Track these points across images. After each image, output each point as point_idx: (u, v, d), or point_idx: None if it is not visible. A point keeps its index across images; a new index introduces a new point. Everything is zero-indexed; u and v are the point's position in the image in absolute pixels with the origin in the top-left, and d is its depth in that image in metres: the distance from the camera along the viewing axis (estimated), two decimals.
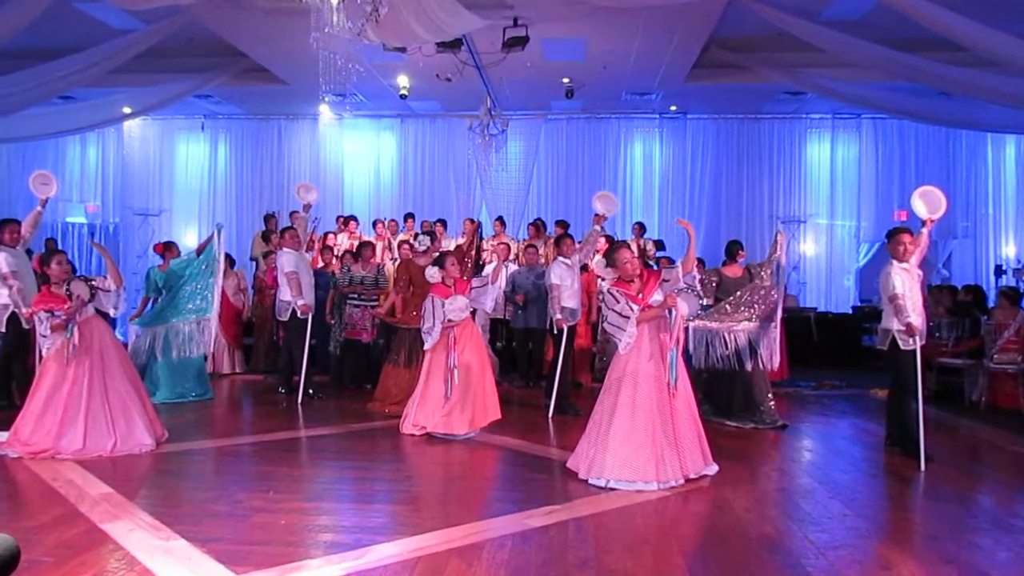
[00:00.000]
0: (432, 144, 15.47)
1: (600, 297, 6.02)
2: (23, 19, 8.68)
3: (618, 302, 5.53)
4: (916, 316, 6.22)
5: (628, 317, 5.46)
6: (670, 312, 5.49)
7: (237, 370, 11.06)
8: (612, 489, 5.22)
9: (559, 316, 7.90)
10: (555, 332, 8.11)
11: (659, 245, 12.69)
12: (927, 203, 6.52)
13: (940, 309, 9.95)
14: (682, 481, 5.37)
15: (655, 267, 11.01)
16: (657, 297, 5.55)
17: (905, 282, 6.24)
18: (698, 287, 6.77)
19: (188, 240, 14.81)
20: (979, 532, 4.61)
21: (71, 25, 10.23)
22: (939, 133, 14.38)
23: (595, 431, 5.55)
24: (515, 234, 13.61)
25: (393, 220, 13.03)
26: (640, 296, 5.53)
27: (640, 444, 5.30)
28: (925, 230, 6.54)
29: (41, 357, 6.32)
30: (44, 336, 6.17)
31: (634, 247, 11.31)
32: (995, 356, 8.86)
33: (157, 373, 8.66)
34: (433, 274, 7.10)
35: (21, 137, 13.63)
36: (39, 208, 8.18)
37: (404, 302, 8.44)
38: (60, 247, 14.86)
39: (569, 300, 8.06)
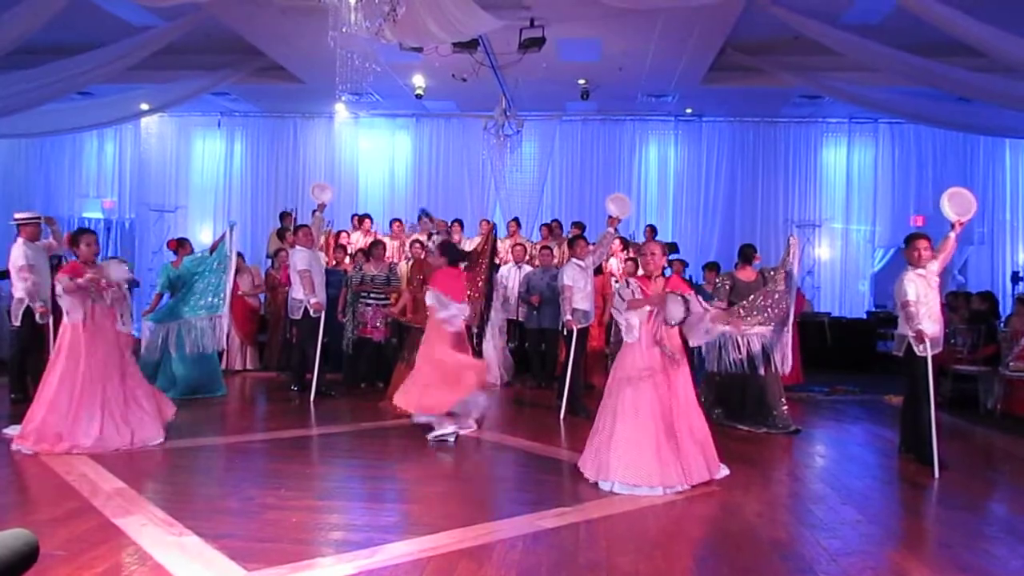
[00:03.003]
0: (447, 144, 15.48)
1: (615, 290, 6.02)
2: (43, 15, 8.74)
3: (629, 288, 5.59)
4: (930, 323, 6.16)
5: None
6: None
7: (250, 367, 11.09)
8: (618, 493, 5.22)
9: (569, 317, 7.90)
10: (565, 333, 8.11)
11: (672, 248, 12.66)
12: (956, 205, 6.37)
13: (956, 317, 9.88)
14: (687, 487, 5.32)
15: (668, 270, 11.02)
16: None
17: (919, 289, 6.18)
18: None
19: (203, 237, 14.86)
20: (993, 540, 4.57)
21: (90, 21, 10.28)
22: (957, 138, 14.28)
23: (600, 434, 5.55)
24: (528, 235, 13.60)
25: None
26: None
27: (643, 448, 5.28)
28: (953, 233, 6.41)
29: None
30: (59, 298, 6.24)
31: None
32: (1011, 363, 8.80)
33: (171, 369, 8.70)
34: (435, 260, 7.12)
35: (40, 132, 13.75)
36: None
37: (417, 302, 8.44)
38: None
39: (582, 302, 8.05)
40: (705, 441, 5.57)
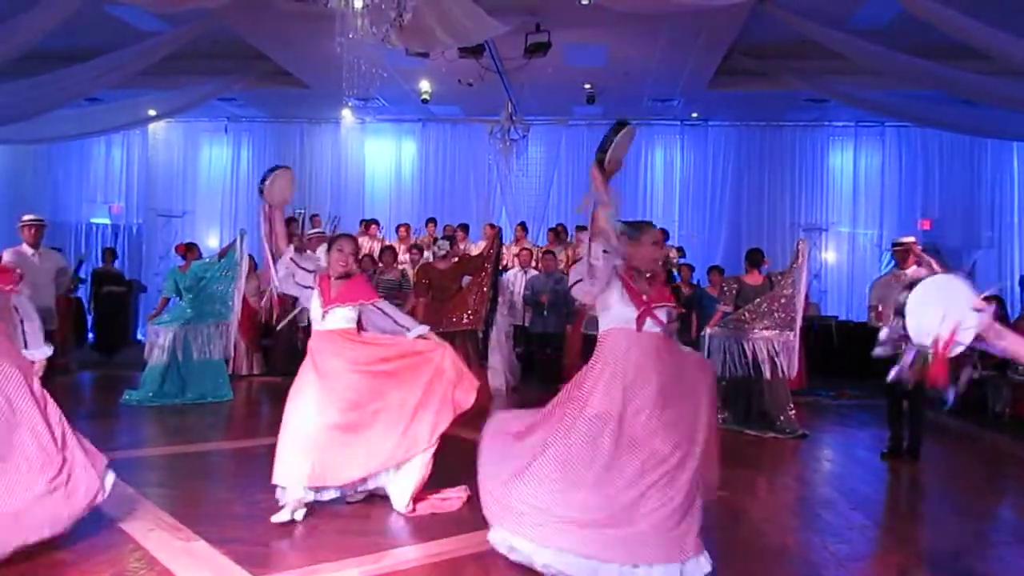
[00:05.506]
0: (453, 149, 15.49)
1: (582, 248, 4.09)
2: (52, 21, 8.76)
3: (597, 259, 3.89)
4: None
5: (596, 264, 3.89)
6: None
7: (256, 372, 11.10)
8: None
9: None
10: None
11: (681, 252, 12.64)
12: None
13: None
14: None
15: (677, 276, 11.01)
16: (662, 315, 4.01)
17: (885, 292, 6.74)
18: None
19: (210, 242, 14.90)
20: (1002, 546, 4.56)
21: (98, 27, 10.31)
22: (963, 142, 14.21)
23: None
24: (535, 239, 13.59)
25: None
26: (645, 298, 3.96)
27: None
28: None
29: None
30: None
31: None
32: (1020, 367, 8.75)
33: (178, 374, 8.71)
34: (320, 256, 5.59)
35: (47, 138, 13.77)
36: None
37: (425, 307, 8.44)
38: (84, 248, 15.12)
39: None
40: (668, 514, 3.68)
